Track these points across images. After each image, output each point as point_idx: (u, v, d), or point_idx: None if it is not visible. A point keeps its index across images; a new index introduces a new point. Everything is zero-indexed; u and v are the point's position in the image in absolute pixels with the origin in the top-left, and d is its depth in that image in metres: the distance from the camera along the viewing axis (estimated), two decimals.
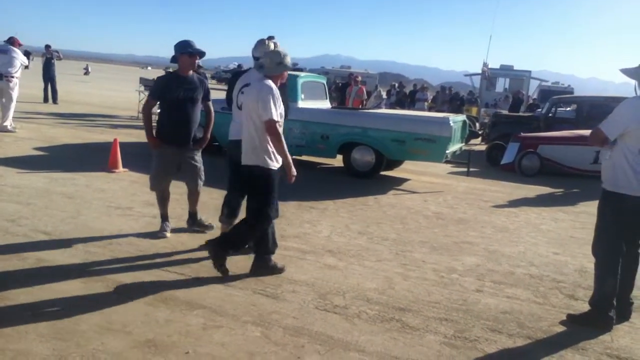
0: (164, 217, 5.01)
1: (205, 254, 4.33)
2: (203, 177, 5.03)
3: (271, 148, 3.95)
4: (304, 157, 9.30)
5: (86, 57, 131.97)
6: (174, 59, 4.78)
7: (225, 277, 4.03)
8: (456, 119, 8.86)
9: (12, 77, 10.11)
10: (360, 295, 3.94)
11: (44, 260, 4.11)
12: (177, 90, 4.67)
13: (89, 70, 45.47)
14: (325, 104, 9.86)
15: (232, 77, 4.84)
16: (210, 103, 5.05)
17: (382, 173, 8.81)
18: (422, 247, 5.24)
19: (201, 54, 4.75)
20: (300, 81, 8.92)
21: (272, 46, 4.50)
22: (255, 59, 4.50)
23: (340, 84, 18.59)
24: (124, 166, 7.61)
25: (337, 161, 9.13)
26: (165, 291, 3.75)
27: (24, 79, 10.72)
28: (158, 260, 4.32)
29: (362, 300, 3.84)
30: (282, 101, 4.38)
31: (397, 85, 24.64)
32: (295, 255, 4.71)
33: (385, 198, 7.28)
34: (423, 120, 8.64)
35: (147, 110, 4.88)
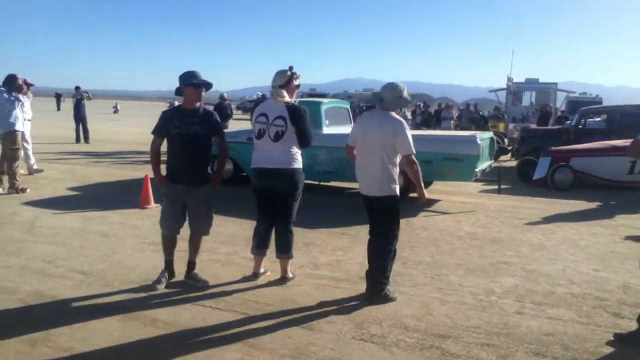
0: (167, 265, 4.61)
1: (239, 286, 4.34)
2: (210, 223, 4.62)
3: (396, 176, 4.24)
4: (331, 183, 9.28)
5: (115, 96, 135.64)
6: (178, 91, 4.50)
7: (261, 310, 4.01)
8: (483, 137, 8.80)
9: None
10: (398, 322, 3.87)
11: (83, 300, 4.16)
12: (181, 125, 4.37)
13: (118, 108, 46.65)
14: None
15: (254, 106, 4.86)
16: (223, 138, 4.68)
17: (412, 195, 8.72)
18: (457, 269, 5.15)
19: (207, 85, 4.46)
20: (323, 107, 9.01)
21: (282, 76, 4.52)
22: (272, 87, 4.55)
23: (364, 107, 18.66)
24: (155, 202, 7.70)
25: None
26: (202, 326, 3.75)
27: (54, 119, 10.88)
28: (192, 294, 4.33)
29: (399, 328, 3.77)
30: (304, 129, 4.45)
31: (422, 105, 24.60)
32: (329, 283, 4.67)
33: (416, 220, 7.21)
34: (450, 140, 8.64)
35: (153, 148, 4.56)
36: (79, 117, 17.45)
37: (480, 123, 16.65)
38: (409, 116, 19.66)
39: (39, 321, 3.75)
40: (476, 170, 8.03)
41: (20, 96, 8.54)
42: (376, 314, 4.01)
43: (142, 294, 4.31)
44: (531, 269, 5.19)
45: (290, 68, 4.60)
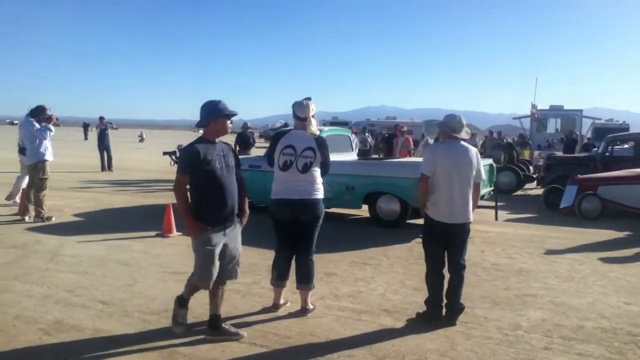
0: (181, 300, 4.20)
1: (259, 317, 4.27)
2: (240, 266, 4.18)
3: None
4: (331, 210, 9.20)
5: (142, 125, 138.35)
6: (204, 123, 3.99)
7: (280, 343, 3.94)
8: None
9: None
10: (421, 358, 3.76)
11: (102, 330, 4.14)
12: (215, 159, 3.90)
13: (144, 137, 47.46)
14: (351, 156, 10.00)
15: (274, 135, 4.83)
16: (239, 172, 4.21)
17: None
18: (482, 302, 5.01)
19: (234, 115, 4.10)
20: (322, 136, 8.81)
21: (311, 107, 4.56)
22: (299, 118, 4.55)
23: (386, 135, 18.62)
24: (178, 230, 7.74)
25: (364, 211, 9.07)
26: (220, 359, 3.69)
27: (81, 148, 10.97)
28: None
29: None
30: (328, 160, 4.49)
31: (427, 138, 24.50)
32: (350, 315, 4.58)
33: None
34: None
35: (182, 189, 3.92)
36: (103, 146, 17.94)
37: (507, 150, 16.46)
38: (430, 142, 19.55)
39: (58, 352, 3.74)
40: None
41: (50, 126, 8.72)
42: (398, 348, 3.91)
43: (162, 326, 4.27)
44: (559, 302, 5.03)
45: (308, 99, 4.64)
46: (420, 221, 8.53)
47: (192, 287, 4.12)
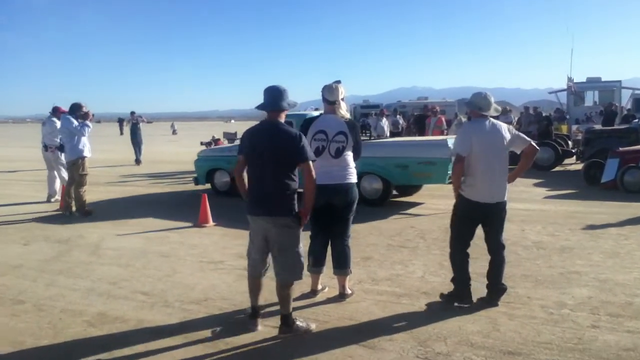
0: (254, 311, 4.00)
1: (297, 303, 4.26)
2: (300, 265, 3.84)
3: None
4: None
5: (174, 117, 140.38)
6: (281, 107, 3.80)
7: (319, 328, 3.93)
8: None
9: (55, 147, 10.00)
10: (463, 339, 3.69)
11: (144, 321, 4.21)
12: (261, 144, 3.72)
13: (176, 129, 48.13)
14: (392, 140, 10.49)
15: (305, 122, 4.75)
16: (310, 164, 3.75)
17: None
18: (525, 281, 4.90)
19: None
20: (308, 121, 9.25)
21: (340, 90, 4.50)
22: (329, 102, 4.50)
23: (417, 116, 18.35)
24: (214, 220, 7.82)
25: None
26: (261, 345, 3.71)
27: (117, 143, 11.11)
28: None
29: (465, 346, 3.60)
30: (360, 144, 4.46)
31: (460, 117, 24.02)
32: (389, 299, 4.54)
33: (478, 230, 6.92)
34: (423, 145, 9.21)
35: (239, 170, 3.90)
36: (135, 140, 18.32)
37: (544, 124, 16.01)
38: (464, 121, 19.19)
39: (103, 343, 3.81)
40: (449, 172, 7.77)
41: (87, 122, 8.89)
42: (440, 330, 3.86)
43: (202, 315, 4.32)
44: (605, 279, 4.88)
45: (338, 82, 4.57)
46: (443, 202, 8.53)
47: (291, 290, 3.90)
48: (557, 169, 14.09)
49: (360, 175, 8.28)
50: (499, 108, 4.50)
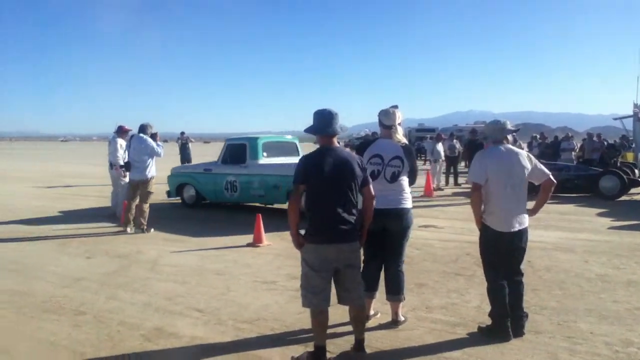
0: (322, 351, 3.74)
1: (349, 328, 4.22)
2: (362, 287, 3.87)
3: None
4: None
5: (227, 137, 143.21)
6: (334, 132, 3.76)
7: (371, 354, 3.87)
8: None
9: (120, 166, 10.26)
10: None
11: (198, 337, 4.27)
12: (327, 171, 3.63)
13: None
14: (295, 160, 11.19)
15: (360, 145, 4.77)
16: (371, 188, 3.84)
17: (537, 235, 8.23)
18: (588, 316, 4.67)
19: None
20: (260, 142, 10.88)
21: (397, 114, 4.49)
22: (385, 126, 4.49)
23: (468, 140, 18.00)
24: (267, 240, 7.90)
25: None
26: None
27: (163, 162, 11.32)
28: (302, 336, 4.28)
29: None
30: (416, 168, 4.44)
31: (538, 136, 23.32)
32: (443, 328, 4.43)
33: (539, 261, 6.70)
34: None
35: (297, 199, 3.73)
36: (185, 158, 19.41)
37: (611, 153, 15.35)
38: (525, 148, 18.69)
39: (158, 357, 3.89)
40: None
41: (159, 143, 9.26)
42: None
43: (254, 334, 4.34)
44: None
45: (395, 106, 4.57)
46: (541, 232, 8.37)
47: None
48: (623, 198, 13.47)
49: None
50: (510, 138, 4.38)
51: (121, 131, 10.52)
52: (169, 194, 12.29)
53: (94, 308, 4.99)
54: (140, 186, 9.01)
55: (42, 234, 8.72)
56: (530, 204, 4.24)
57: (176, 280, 5.97)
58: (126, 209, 9.12)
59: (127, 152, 9.62)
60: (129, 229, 8.92)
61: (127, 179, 9.72)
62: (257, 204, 11.36)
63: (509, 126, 4.29)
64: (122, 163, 10.09)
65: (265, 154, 10.86)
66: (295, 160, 10.81)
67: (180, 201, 12.15)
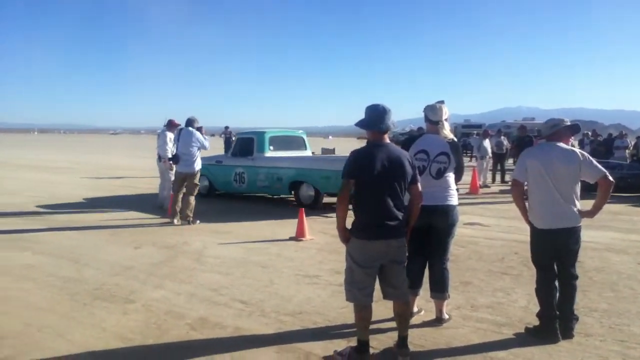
0: (365, 346, 3.72)
1: (392, 324, 4.19)
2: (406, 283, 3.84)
3: None
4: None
5: None
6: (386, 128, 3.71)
7: (414, 352, 3.83)
8: None
9: (168, 158, 10.43)
10: None
11: (241, 329, 4.33)
12: (379, 167, 3.58)
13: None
14: (304, 154, 12.14)
15: (405, 140, 4.70)
16: (419, 185, 3.80)
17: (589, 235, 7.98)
18: None
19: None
20: (267, 136, 11.66)
21: (444, 110, 4.42)
22: (432, 122, 4.43)
23: (517, 137, 17.54)
24: (310, 234, 7.94)
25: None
26: None
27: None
28: (345, 330, 4.28)
29: None
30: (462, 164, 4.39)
31: (589, 133, 22.57)
32: (489, 328, 4.35)
33: (589, 261, 6.49)
34: (341, 160, 10.00)
35: (346, 195, 3.64)
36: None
37: None
38: (577, 146, 18.12)
39: (203, 347, 3.97)
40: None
41: (207, 137, 9.49)
42: None
43: (296, 327, 4.37)
44: None
45: (441, 102, 4.50)
46: (592, 232, 8.16)
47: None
48: None
49: (298, 184, 10.81)
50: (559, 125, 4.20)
51: (171, 125, 10.71)
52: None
53: (142, 297, 5.13)
54: (187, 179, 9.20)
55: (93, 224, 9.03)
56: (588, 204, 4.12)
57: (221, 271, 6.07)
58: (173, 201, 9.33)
59: (175, 145, 9.82)
60: (175, 221, 9.12)
61: (174, 172, 9.94)
62: (268, 195, 12.16)
63: (565, 124, 4.18)
64: (170, 156, 10.32)
65: (271, 147, 11.58)
66: (301, 154, 12.08)
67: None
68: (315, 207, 10.50)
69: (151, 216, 9.90)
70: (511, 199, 4.52)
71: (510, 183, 4.42)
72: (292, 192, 11.16)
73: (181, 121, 10.01)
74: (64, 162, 26.71)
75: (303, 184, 10.85)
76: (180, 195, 9.23)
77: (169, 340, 4.10)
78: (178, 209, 9.17)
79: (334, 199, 10.77)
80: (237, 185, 11.74)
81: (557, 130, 4.16)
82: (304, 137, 12.69)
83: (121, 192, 13.92)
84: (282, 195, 11.89)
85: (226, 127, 20.60)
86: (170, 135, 10.65)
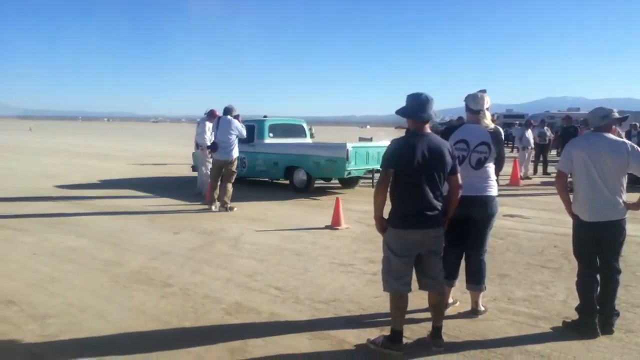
0: (399, 336, 3.70)
1: (426, 315, 4.16)
2: (443, 274, 3.81)
3: None
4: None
5: (311, 121, 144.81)
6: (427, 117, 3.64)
7: (448, 342, 3.80)
8: (358, 145, 11.57)
9: (206, 147, 10.58)
10: None
11: (276, 314, 4.38)
12: (419, 158, 3.53)
13: (313, 132, 49.62)
14: (302, 141, 12.86)
15: (445, 130, 4.63)
16: (459, 176, 3.76)
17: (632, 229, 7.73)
18: None
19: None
20: (267, 124, 12.47)
21: (486, 99, 4.33)
22: (473, 111, 4.34)
23: (563, 128, 17.06)
24: (346, 223, 7.94)
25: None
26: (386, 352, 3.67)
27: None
28: (379, 319, 4.28)
29: None
30: (503, 154, 4.29)
31: (638, 125, 21.71)
32: (525, 321, 4.27)
33: (633, 256, 6.28)
34: (329, 147, 11.86)
35: (385, 185, 3.61)
36: None
37: None
38: (623, 137, 17.48)
39: (238, 331, 4.03)
40: (347, 169, 10.86)
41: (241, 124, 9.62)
42: None
43: (330, 315, 4.39)
44: None
45: (483, 91, 4.41)
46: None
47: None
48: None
49: (293, 169, 11.68)
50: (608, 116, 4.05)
51: (212, 115, 10.82)
52: (193, 168, 13.33)
53: (179, 281, 5.24)
54: (224, 166, 9.32)
55: (134, 209, 9.26)
56: (633, 197, 3.98)
57: (256, 258, 6.14)
58: (211, 188, 9.47)
59: (213, 134, 9.95)
60: (213, 207, 9.27)
61: (211, 160, 10.08)
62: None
63: (615, 115, 4.04)
64: (208, 144, 10.48)
65: (271, 134, 12.42)
66: (300, 141, 12.83)
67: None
68: (307, 191, 11.45)
69: (190, 203, 10.09)
70: (553, 192, 4.42)
71: (555, 175, 4.31)
72: (288, 176, 12.02)
73: (219, 110, 10.13)
74: (109, 150, 27.44)
75: (296, 169, 11.70)
76: (219, 183, 9.36)
77: (205, 324, 4.18)
78: (216, 196, 9.31)
79: (325, 184, 12.68)
80: (239, 170, 12.00)
81: (607, 121, 4.03)
82: (304, 125, 13.68)
83: (162, 178, 14.22)
84: (278, 180, 12.70)
85: (264, 117, 20.67)
86: (209, 125, 10.79)
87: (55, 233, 7.27)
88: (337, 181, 12.61)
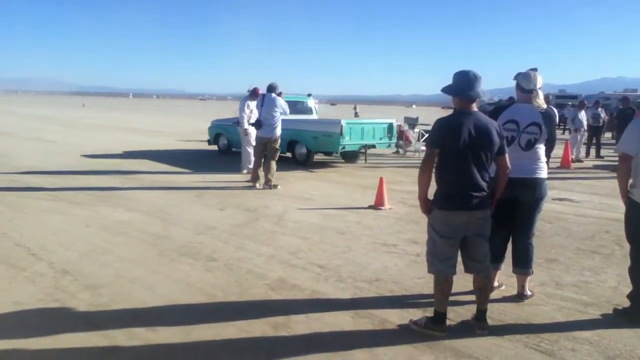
0: (443, 317, 3.68)
1: (471, 298, 4.11)
2: (489, 257, 3.75)
3: None
4: None
5: (356, 100, 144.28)
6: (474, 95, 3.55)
7: (493, 325, 3.74)
8: (352, 121, 12.46)
9: (242, 126, 10.80)
10: None
11: (318, 292, 4.41)
12: (466, 137, 3.44)
13: (358, 112, 49.34)
14: (308, 117, 13.56)
15: (494, 109, 4.49)
16: (507, 157, 3.66)
17: None
18: None
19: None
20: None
21: (538, 78, 4.16)
22: (524, 90, 4.19)
23: (620, 109, 16.36)
24: (389, 204, 7.89)
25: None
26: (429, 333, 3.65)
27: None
28: (421, 300, 4.25)
29: None
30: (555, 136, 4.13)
31: None
32: (574, 307, 4.16)
33: None
34: (325, 122, 12.61)
35: (430, 165, 3.52)
36: None
37: None
38: None
39: (281, 307, 4.08)
40: (341, 144, 11.70)
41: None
42: (632, 349, 3.43)
43: (372, 294, 4.39)
44: None
45: (534, 69, 4.24)
46: None
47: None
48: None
49: (294, 143, 12.44)
50: None
51: (254, 93, 10.75)
52: (209, 142, 14.87)
53: (224, 256, 5.34)
54: (268, 144, 9.38)
55: (181, 185, 9.47)
56: None
57: (299, 235, 6.18)
58: (255, 165, 9.56)
59: (258, 111, 9.98)
60: (257, 185, 9.37)
61: (253, 137, 10.14)
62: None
63: None
64: (246, 124, 10.56)
65: None
66: (305, 117, 13.48)
67: (217, 149, 14.68)
68: (307, 164, 12.24)
69: (235, 179, 10.23)
70: (605, 176, 4.26)
71: (609, 158, 4.11)
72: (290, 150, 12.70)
73: (263, 88, 10.15)
74: (157, 125, 28.05)
75: (298, 143, 12.45)
76: (262, 160, 9.44)
77: (249, 298, 4.26)
78: (260, 174, 9.40)
79: (325, 157, 13.61)
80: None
81: None
82: (309, 102, 14.65)
83: (207, 156, 14.45)
84: (280, 154, 12.78)
85: (309, 95, 20.69)
86: (249, 103, 10.80)
87: (106, 206, 7.52)
88: (339, 156, 13.28)
